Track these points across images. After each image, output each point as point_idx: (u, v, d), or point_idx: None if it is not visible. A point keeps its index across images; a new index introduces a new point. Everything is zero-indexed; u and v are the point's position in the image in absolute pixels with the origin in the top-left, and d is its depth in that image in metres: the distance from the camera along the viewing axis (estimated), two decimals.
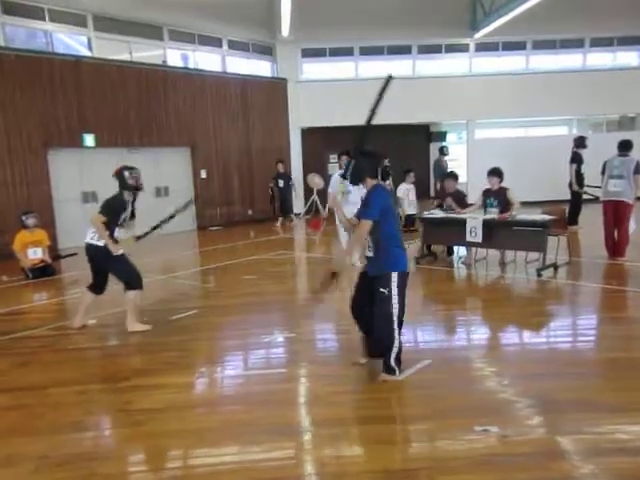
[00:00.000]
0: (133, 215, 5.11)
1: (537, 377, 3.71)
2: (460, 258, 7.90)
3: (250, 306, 5.81)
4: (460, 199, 7.80)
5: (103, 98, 10.65)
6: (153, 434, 3.18)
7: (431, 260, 7.79)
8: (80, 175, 10.59)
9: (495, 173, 7.05)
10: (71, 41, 10.87)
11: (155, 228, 5.19)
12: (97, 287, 5.16)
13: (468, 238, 6.88)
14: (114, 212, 4.89)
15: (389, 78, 3.83)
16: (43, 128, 9.85)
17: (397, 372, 3.63)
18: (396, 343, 3.56)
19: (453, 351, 4.42)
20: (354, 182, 3.61)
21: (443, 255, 8.13)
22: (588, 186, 9.95)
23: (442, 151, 12.63)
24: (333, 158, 15.91)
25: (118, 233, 4.98)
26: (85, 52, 10.88)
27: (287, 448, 2.98)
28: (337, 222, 7.23)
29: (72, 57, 10.40)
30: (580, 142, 10.02)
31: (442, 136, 17.98)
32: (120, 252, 4.87)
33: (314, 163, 15.08)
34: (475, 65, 15.47)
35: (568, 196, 10.26)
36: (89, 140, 10.42)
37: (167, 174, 12.24)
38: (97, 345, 4.88)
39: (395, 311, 3.48)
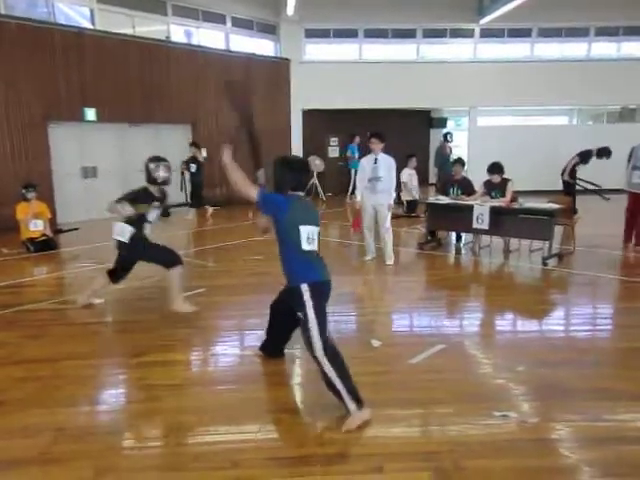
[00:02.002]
0: (167, 213, 4.87)
1: (550, 364, 3.73)
2: (465, 244, 7.91)
3: (258, 286, 5.78)
4: (467, 186, 7.78)
5: (105, 72, 10.45)
6: (171, 410, 3.17)
7: (435, 246, 7.80)
8: (80, 150, 10.43)
9: (495, 170, 7.05)
10: (73, 12, 10.61)
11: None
12: (116, 277, 4.94)
13: (475, 225, 6.87)
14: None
15: (227, 83, 3.67)
16: (43, 100, 9.66)
17: (355, 407, 2.91)
18: (331, 374, 2.91)
19: (463, 337, 4.43)
20: (278, 192, 3.16)
21: (446, 241, 8.14)
22: (580, 179, 9.90)
23: (446, 138, 12.55)
24: (333, 141, 15.84)
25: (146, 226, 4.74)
26: (87, 25, 10.63)
27: (307, 427, 2.99)
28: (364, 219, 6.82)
29: (74, 28, 10.17)
30: (604, 152, 9.79)
31: (443, 122, 17.89)
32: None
33: (314, 145, 14.98)
34: (480, 51, 15.34)
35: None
36: (90, 114, 10.24)
37: (167, 151, 11.97)
38: (106, 320, 4.85)
39: (314, 332, 2.96)
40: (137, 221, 4.61)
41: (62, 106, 9.93)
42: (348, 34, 14.96)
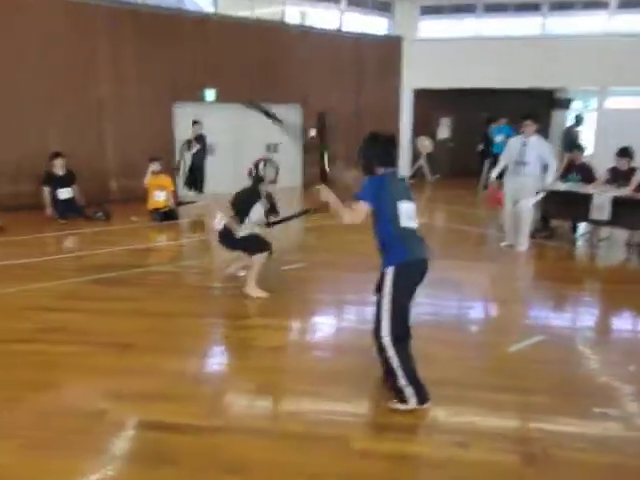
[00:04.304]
0: (274, 209, 4.96)
1: None
2: (582, 235, 7.42)
3: (356, 265, 5.89)
4: (587, 172, 7.25)
5: (224, 54, 11.06)
6: (275, 369, 3.44)
7: (548, 235, 7.38)
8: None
9: (624, 154, 6.49)
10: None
11: (285, 220, 5.20)
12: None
13: (593, 215, 6.41)
14: (242, 206, 4.73)
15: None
16: (170, 83, 10.48)
17: (412, 397, 2.84)
18: (392, 360, 2.80)
19: (569, 330, 4.27)
20: (364, 173, 3.03)
21: (561, 231, 7.68)
22: None
23: (577, 121, 11.67)
24: (444, 121, 15.41)
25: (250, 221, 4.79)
26: (211, 9, 11.31)
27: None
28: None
29: (199, 14, 10.87)
30: None
31: (567, 103, 16.60)
32: (241, 234, 4.71)
33: (424, 126, 14.70)
34: (615, 24, 13.93)
35: None
36: (210, 95, 10.94)
37: (278, 131, 12.52)
38: (219, 285, 5.24)
39: (386, 315, 2.79)
40: (239, 214, 4.73)
41: (186, 87, 10.70)
42: (466, 9, 14.36)
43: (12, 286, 4.92)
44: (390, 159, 3.01)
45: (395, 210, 2.85)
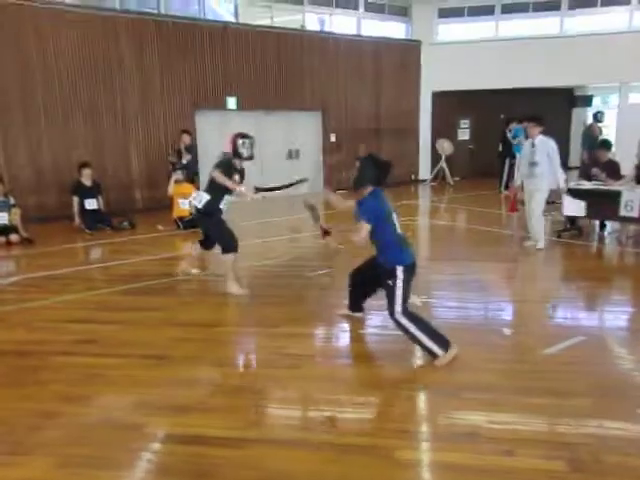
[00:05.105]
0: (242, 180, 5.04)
1: None
2: (611, 234, 7.28)
3: None
4: (613, 170, 7.13)
5: (245, 62, 11.17)
6: (309, 377, 3.42)
7: (575, 234, 7.27)
8: (221, 136, 11.25)
9: None
10: (220, 9, 11.50)
11: (273, 189, 5.38)
12: (205, 244, 5.29)
13: (622, 212, 6.31)
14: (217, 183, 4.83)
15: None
16: (193, 91, 10.63)
17: (439, 350, 3.46)
18: (411, 328, 3.49)
19: (605, 330, 4.19)
20: (355, 187, 3.68)
21: (588, 229, 7.55)
22: None
23: (596, 117, 11.51)
24: (464, 123, 15.29)
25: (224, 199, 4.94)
26: (231, 19, 11.44)
27: (436, 406, 3.05)
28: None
29: (220, 23, 11.00)
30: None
31: (588, 101, 16.36)
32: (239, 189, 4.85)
33: (444, 128, 14.60)
34: (637, 20, 13.68)
35: None
36: (231, 103, 11.04)
37: (299, 137, 12.61)
38: (247, 294, 5.25)
39: (399, 300, 3.53)
40: (218, 192, 4.85)
41: (208, 95, 10.83)
42: (484, 11, 14.24)
43: (44, 298, 5.01)
44: (382, 180, 3.67)
45: (392, 221, 3.62)
